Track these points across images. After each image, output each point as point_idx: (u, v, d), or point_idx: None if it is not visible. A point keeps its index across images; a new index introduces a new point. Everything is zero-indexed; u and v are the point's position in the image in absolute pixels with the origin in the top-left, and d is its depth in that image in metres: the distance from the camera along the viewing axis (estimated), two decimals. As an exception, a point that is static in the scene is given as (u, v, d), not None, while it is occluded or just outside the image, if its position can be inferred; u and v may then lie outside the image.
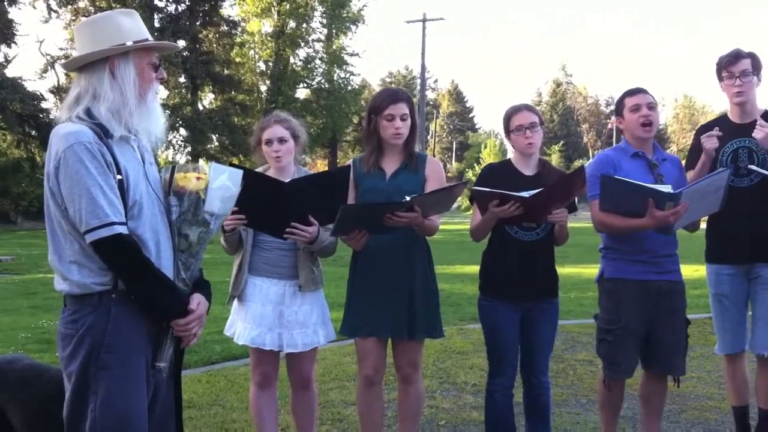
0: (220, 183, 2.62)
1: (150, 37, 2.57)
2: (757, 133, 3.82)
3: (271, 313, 3.63)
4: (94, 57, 2.46)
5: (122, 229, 2.35)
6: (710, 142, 3.87)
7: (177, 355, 2.65)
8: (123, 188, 2.40)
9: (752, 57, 3.97)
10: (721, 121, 4.15)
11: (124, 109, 2.46)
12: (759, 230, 3.90)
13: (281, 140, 3.71)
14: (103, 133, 2.40)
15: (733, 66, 3.94)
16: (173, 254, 2.56)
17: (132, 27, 2.51)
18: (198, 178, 2.58)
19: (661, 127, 65.16)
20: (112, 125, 2.44)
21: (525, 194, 3.39)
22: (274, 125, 3.73)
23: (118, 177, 2.39)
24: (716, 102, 73.87)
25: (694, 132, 4.45)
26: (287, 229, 3.43)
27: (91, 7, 33.00)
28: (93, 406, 2.35)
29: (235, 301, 3.76)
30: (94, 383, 2.36)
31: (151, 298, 2.45)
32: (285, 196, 3.39)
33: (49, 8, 33.95)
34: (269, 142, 3.70)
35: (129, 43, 2.47)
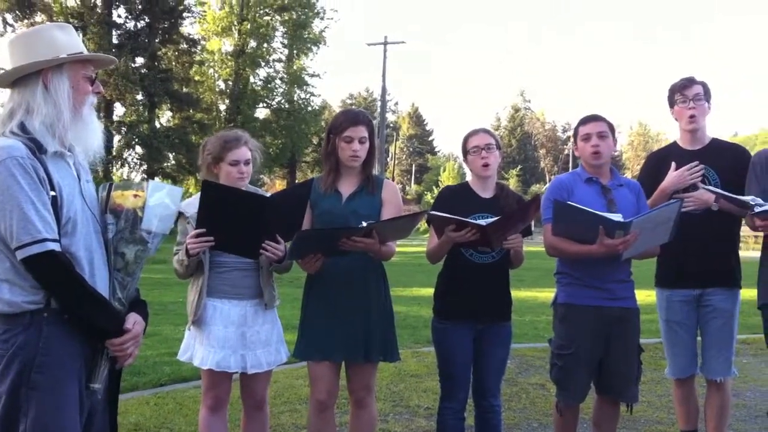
0: (157, 200, 2.57)
1: (85, 50, 2.54)
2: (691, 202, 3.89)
3: (233, 335, 3.56)
4: (26, 70, 2.42)
5: (55, 246, 2.30)
6: (707, 195, 3.89)
7: (113, 377, 2.58)
8: (56, 205, 2.35)
9: (704, 84, 4.09)
10: (672, 148, 4.23)
11: (58, 122, 2.42)
12: (710, 256, 3.96)
13: (247, 162, 3.67)
14: (36, 148, 2.36)
15: (687, 90, 4.05)
16: (108, 273, 2.51)
17: (66, 40, 2.48)
18: (135, 196, 2.54)
19: (616, 153, 66.50)
20: (47, 140, 2.39)
21: (482, 222, 3.40)
22: (243, 147, 3.66)
23: (52, 193, 2.34)
24: (671, 129, 75.72)
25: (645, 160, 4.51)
26: (262, 246, 3.36)
27: (48, 22, 32.57)
28: (23, 427, 2.28)
29: (192, 325, 3.65)
30: (24, 404, 2.29)
31: (84, 317, 2.39)
32: (265, 213, 3.31)
33: (5, 22, 33.42)
34: (236, 163, 3.63)
35: (63, 56, 2.44)
